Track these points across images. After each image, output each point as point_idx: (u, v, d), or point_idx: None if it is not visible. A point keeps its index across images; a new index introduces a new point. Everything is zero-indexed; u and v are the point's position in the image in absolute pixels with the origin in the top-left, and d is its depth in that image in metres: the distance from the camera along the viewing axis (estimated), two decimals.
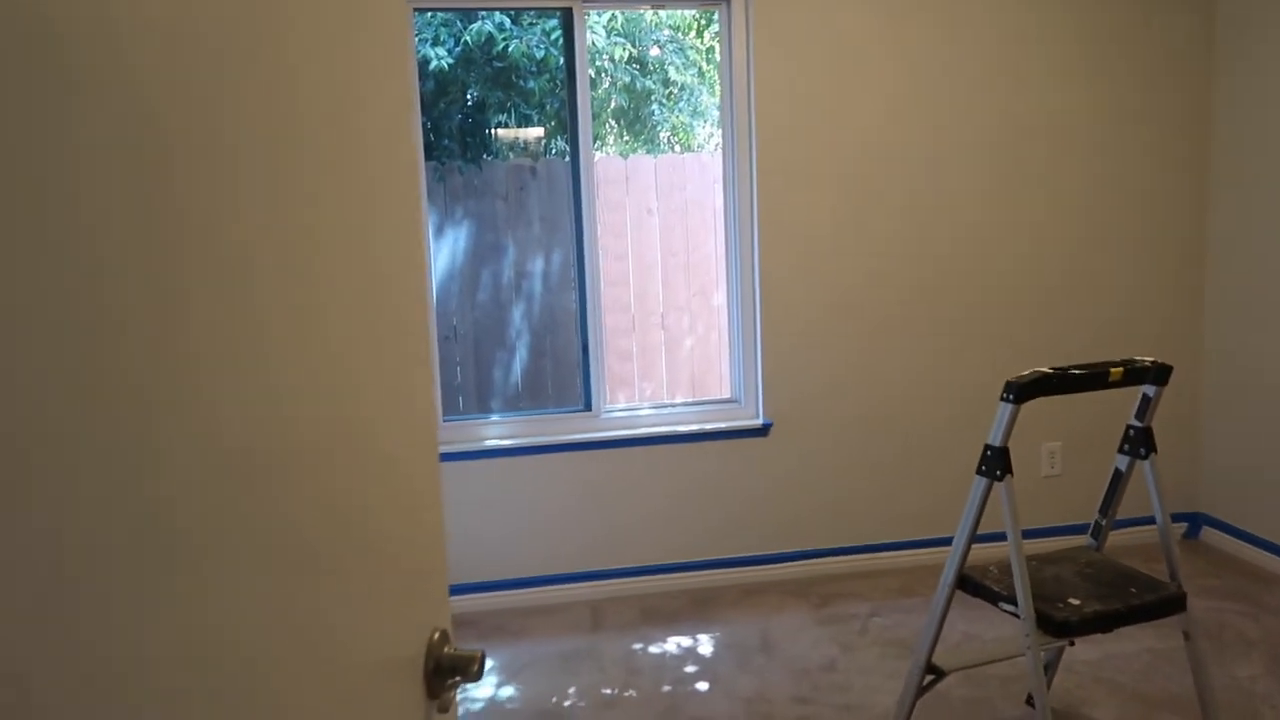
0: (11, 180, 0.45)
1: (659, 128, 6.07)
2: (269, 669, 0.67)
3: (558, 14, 4.02)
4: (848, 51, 3.79)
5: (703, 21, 5.82)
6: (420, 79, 3.76)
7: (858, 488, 4.02)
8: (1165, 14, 3.97)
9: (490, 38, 4.71)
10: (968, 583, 2.55)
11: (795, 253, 3.85)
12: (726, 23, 3.80)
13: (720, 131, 3.95)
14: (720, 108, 3.92)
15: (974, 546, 2.54)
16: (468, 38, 4.72)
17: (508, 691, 3.21)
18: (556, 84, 4.66)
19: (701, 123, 6.07)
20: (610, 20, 5.60)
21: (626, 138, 6.05)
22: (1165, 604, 2.48)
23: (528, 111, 4.78)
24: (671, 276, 4.82)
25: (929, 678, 2.61)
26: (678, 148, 6.12)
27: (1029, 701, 2.97)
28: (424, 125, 3.84)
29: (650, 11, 5.56)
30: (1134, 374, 2.49)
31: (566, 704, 3.11)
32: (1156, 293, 4.13)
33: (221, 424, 0.62)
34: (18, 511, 0.45)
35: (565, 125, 4.08)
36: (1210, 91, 4.04)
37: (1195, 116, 4.05)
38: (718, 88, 3.98)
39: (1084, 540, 2.81)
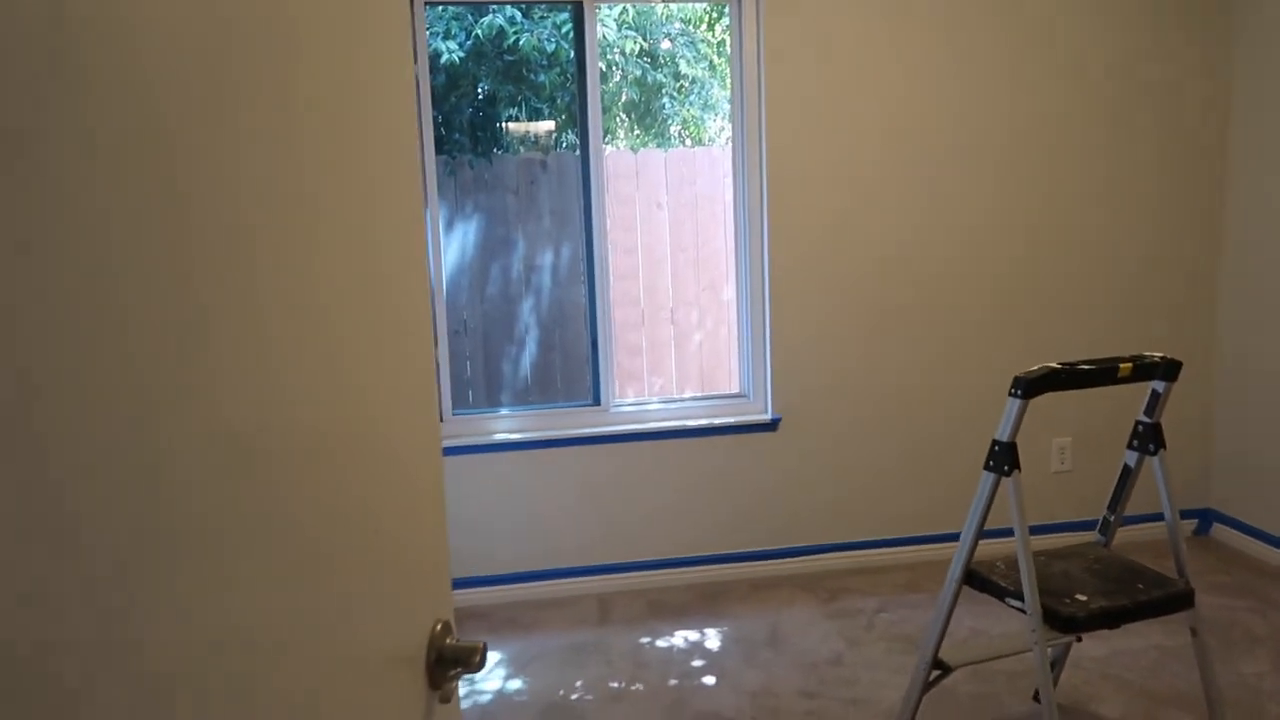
0: (27, 183, 0.45)
1: (669, 121, 6.07)
2: (278, 659, 0.68)
3: (568, 8, 4.02)
4: (858, 47, 3.78)
5: (714, 15, 5.81)
6: (431, 73, 3.77)
7: (866, 483, 4.02)
8: (1177, 13, 3.95)
9: (501, 31, 4.71)
10: (975, 578, 2.55)
11: (805, 248, 3.85)
12: (737, 17, 3.80)
13: (730, 125, 3.95)
14: (730, 102, 3.92)
15: (983, 542, 2.54)
16: (479, 31, 4.72)
17: (516, 684, 3.22)
18: (567, 78, 4.67)
19: (712, 116, 6.06)
20: (621, 14, 5.60)
21: (637, 131, 6.04)
22: (1172, 600, 2.48)
23: (538, 105, 4.79)
24: (681, 271, 4.82)
25: (935, 673, 2.61)
26: (688, 141, 6.11)
27: (1036, 697, 2.97)
28: (435, 119, 3.85)
29: (661, 5, 5.56)
30: (1143, 369, 2.48)
31: (574, 697, 3.12)
32: (1169, 289, 4.11)
33: (231, 421, 0.63)
34: (45, 509, 0.46)
35: (576, 119, 4.09)
36: (1226, 86, 4.02)
37: (1209, 113, 4.03)
38: (729, 81, 3.97)
39: (1093, 536, 2.80)
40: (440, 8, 4.44)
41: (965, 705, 2.97)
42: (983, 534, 2.51)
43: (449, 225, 4.02)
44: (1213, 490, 4.24)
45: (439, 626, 0.96)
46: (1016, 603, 2.42)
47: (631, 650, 3.42)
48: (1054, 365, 2.40)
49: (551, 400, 4.13)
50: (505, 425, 3.91)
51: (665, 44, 5.92)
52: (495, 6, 4.64)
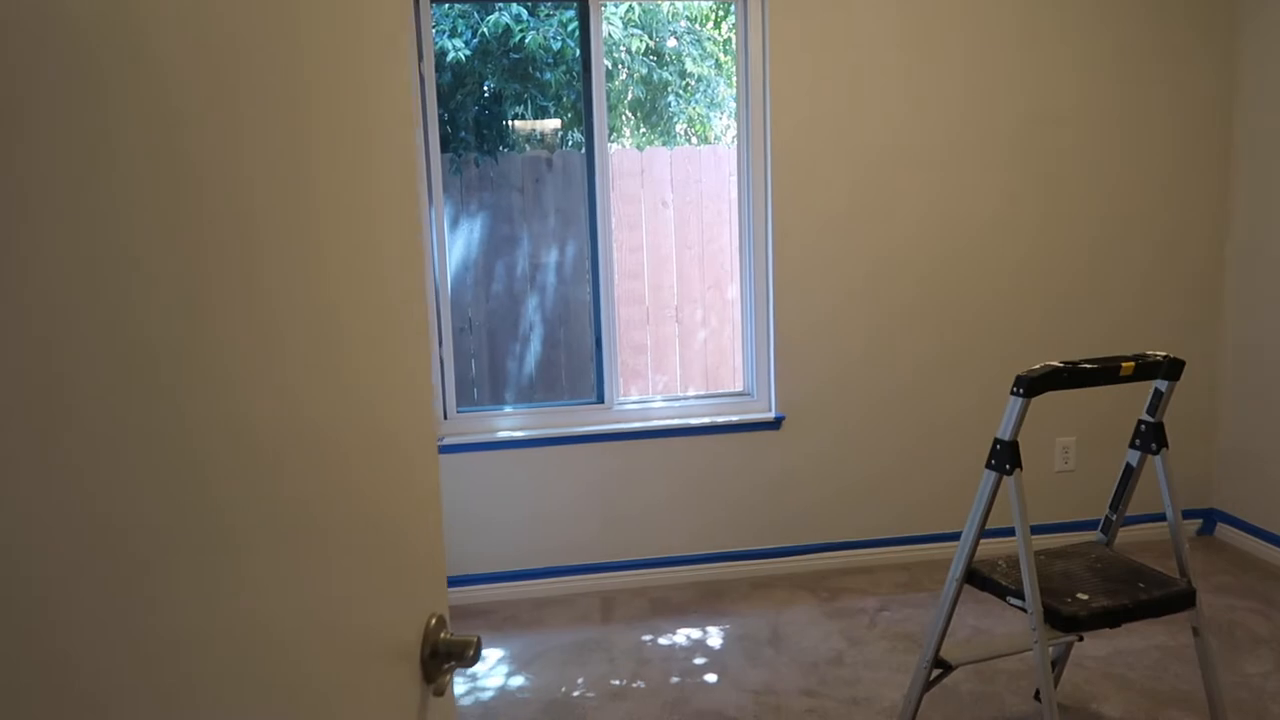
0: (41, 178, 0.46)
1: (675, 120, 6.07)
2: (274, 650, 0.69)
3: (574, 6, 4.03)
4: (864, 44, 3.78)
5: (720, 13, 5.81)
6: (437, 70, 3.78)
7: (869, 482, 4.02)
8: (1184, 12, 3.94)
9: (507, 29, 4.72)
10: (976, 577, 2.55)
11: (809, 246, 3.85)
12: (743, 15, 3.80)
13: (736, 123, 3.95)
14: (736, 100, 3.92)
15: (986, 541, 2.54)
16: (485, 29, 4.73)
17: (518, 681, 3.23)
18: (573, 76, 4.67)
19: (718, 114, 6.06)
20: (627, 11, 5.60)
21: (643, 130, 6.05)
22: (1174, 600, 2.48)
23: (544, 103, 4.80)
24: (686, 269, 4.83)
25: (937, 671, 2.61)
26: (694, 140, 6.11)
27: (1037, 696, 2.97)
28: (441, 117, 3.86)
29: (667, 3, 5.56)
30: (1146, 369, 2.48)
31: (575, 694, 3.13)
32: (1173, 288, 4.10)
33: (243, 415, 0.64)
34: (81, 498, 0.48)
35: (581, 117, 4.09)
36: (1232, 84, 4.01)
37: (1216, 111, 4.02)
38: (735, 79, 3.98)
39: (1095, 535, 2.80)
40: (446, 6, 4.45)
41: (967, 704, 2.97)
42: (985, 533, 2.51)
43: (454, 223, 4.02)
44: (1217, 490, 4.24)
45: (434, 621, 0.97)
46: (1017, 601, 2.42)
47: (633, 648, 3.43)
48: (1056, 364, 2.40)
49: (556, 398, 4.14)
50: (509, 423, 3.92)
51: (671, 42, 5.92)
52: (501, 4, 4.65)
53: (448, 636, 0.97)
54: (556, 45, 4.74)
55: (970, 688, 3.05)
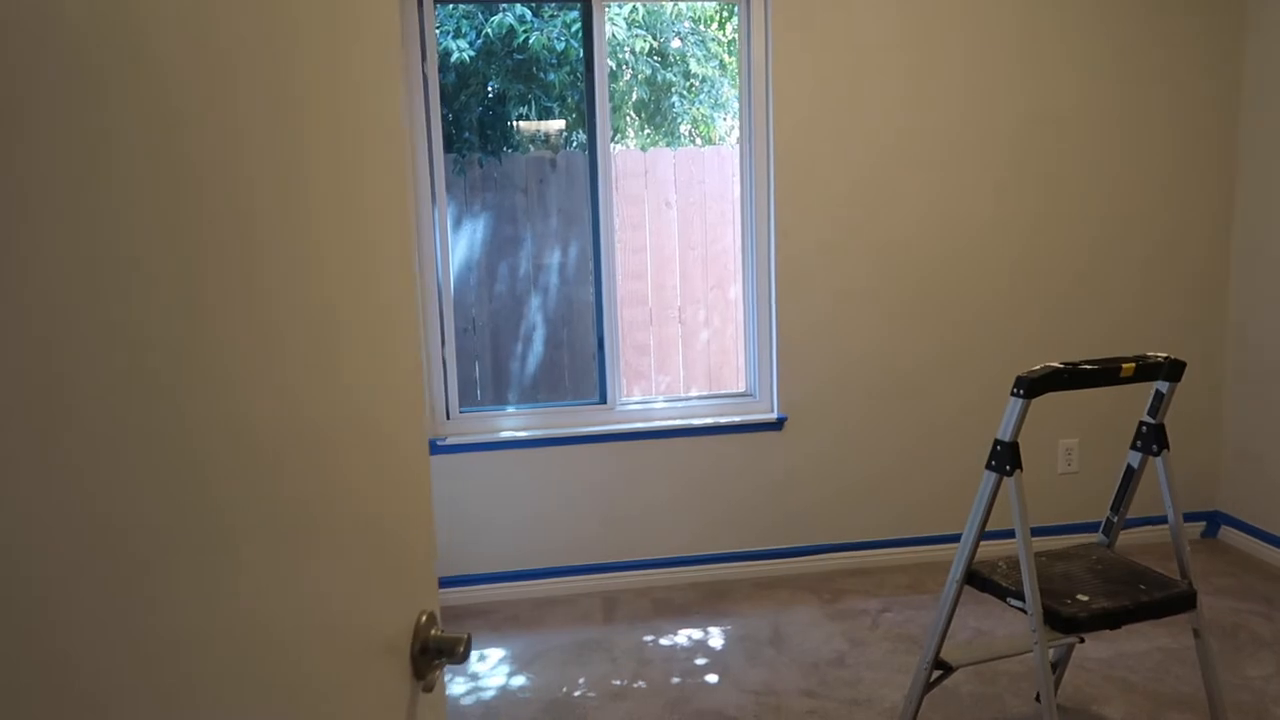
0: (39, 178, 0.47)
1: (680, 120, 6.08)
2: (266, 646, 0.69)
3: (578, 6, 4.03)
4: (866, 45, 3.78)
5: (725, 14, 5.81)
6: (441, 71, 3.78)
7: (871, 483, 4.01)
8: (1187, 9, 3.93)
9: (511, 30, 4.73)
10: (976, 578, 2.55)
11: (811, 246, 3.85)
12: (745, 16, 3.80)
13: (739, 124, 3.95)
14: (739, 101, 3.93)
15: (989, 543, 2.54)
16: (489, 30, 4.74)
17: (519, 680, 3.24)
18: (577, 76, 4.67)
19: (722, 115, 6.06)
20: (631, 12, 5.61)
21: (647, 130, 6.05)
22: (1174, 601, 2.47)
23: (548, 104, 4.80)
24: (689, 270, 4.83)
25: (937, 673, 2.61)
26: (699, 140, 6.12)
27: (1039, 698, 2.96)
28: (445, 117, 3.87)
29: (671, 4, 5.56)
30: (1146, 370, 2.48)
31: (576, 694, 3.14)
32: (1177, 288, 4.09)
33: (241, 415, 0.65)
34: (80, 497, 0.48)
35: (585, 118, 4.10)
36: (1236, 82, 4.00)
37: (1219, 109, 4.01)
38: (737, 80, 3.98)
39: (1097, 537, 2.79)
40: (451, 6, 4.46)
41: (968, 705, 2.97)
42: (989, 534, 2.51)
43: (458, 223, 4.03)
44: (1221, 493, 4.22)
45: (424, 618, 0.98)
46: (1017, 603, 2.42)
47: (635, 648, 3.43)
48: (1056, 365, 2.40)
49: (559, 399, 4.14)
50: (511, 423, 3.92)
51: (675, 43, 5.93)
52: (505, 5, 4.66)
53: (438, 633, 0.98)
54: (560, 46, 4.74)
55: (971, 689, 3.05)
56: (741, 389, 4.09)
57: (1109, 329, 4.05)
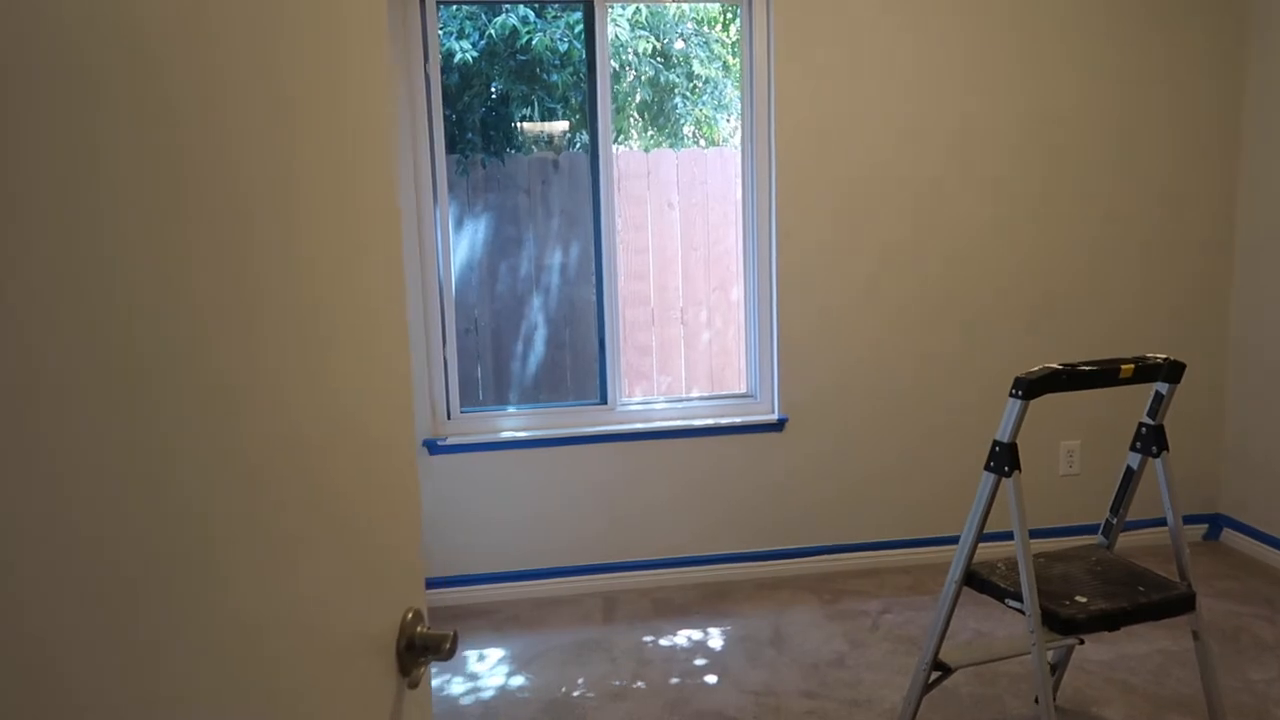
0: (34, 182, 0.47)
1: (683, 122, 6.07)
2: (253, 643, 0.69)
3: (580, 7, 4.04)
4: (868, 46, 3.78)
5: (728, 15, 5.81)
6: (444, 72, 3.79)
7: (871, 484, 4.01)
8: (1189, 8, 3.92)
9: (514, 31, 4.73)
10: (975, 579, 2.54)
11: (812, 247, 3.85)
12: (748, 18, 3.80)
13: (740, 125, 3.96)
14: (741, 103, 3.93)
15: (990, 544, 2.53)
16: (492, 31, 4.74)
17: (518, 680, 3.24)
18: (580, 77, 4.68)
19: (725, 117, 6.06)
20: (634, 14, 5.61)
21: (650, 132, 6.05)
22: (1173, 603, 2.47)
23: (551, 105, 4.80)
24: (692, 271, 4.83)
25: (936, 674, 2.61)
26: (701, 142, 6.11)
27: (1038, 700, 2.95)
28: (448, 118, 3.88)
29: (674, 5, 5.56)
30: (1146, 371, 2.47)
31: (575, 694, 3.14)
32: (1179, 289, 4.08)
33: (228, 415, 0.66)
34: (64, 500, 0.48)
35: (588, 119, 4.10)
36: (1238, 81, 3.99)
37: (1223, 107, 4.00)
38: (740, 81, 3.98)
39: (1096, 539, 2.79)
40: (454, 7, 4.47)
41: (967, 707, 2.97)
42: (991, 536, 2.51)
43: (459, 224, 4.04)
44: (1223, 495, 4.21)
45: (410, 615, 0.98)
46: (1016, 604, 2.41)
47: (634, 648, 3.43)
48: (1055, 366, 2.40)
49: (560, 399, 4.15)
50: (512, 423, 3.93)
51: (679, 44, 5.93)
52: (508, 6, 4.66)
53: (424, 631, 0.98)
54: (563, 47, 4.74)
55: (971, 690, 3.04)
56: (743, 390, 4.09)
57: (1109, 329, 4.04)
